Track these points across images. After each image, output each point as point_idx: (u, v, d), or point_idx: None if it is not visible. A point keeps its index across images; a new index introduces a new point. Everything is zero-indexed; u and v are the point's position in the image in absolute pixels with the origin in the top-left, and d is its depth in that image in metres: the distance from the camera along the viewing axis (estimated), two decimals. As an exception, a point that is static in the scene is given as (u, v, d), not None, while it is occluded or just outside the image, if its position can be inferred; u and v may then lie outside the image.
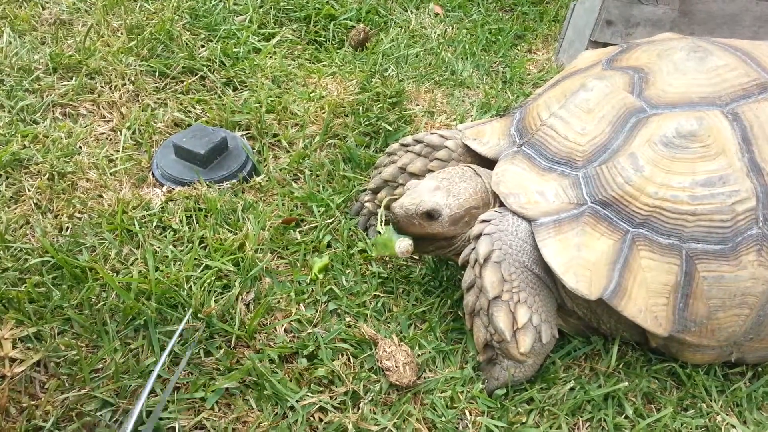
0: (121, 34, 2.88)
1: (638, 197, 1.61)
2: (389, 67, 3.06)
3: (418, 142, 2.14)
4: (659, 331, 1.62)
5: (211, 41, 2.99)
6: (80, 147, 2.40)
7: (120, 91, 2.64)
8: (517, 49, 3.49)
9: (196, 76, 2.78)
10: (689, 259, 1.59)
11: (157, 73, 2.75)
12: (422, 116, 2.79)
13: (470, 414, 1.70)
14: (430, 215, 1.78)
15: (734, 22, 2.96)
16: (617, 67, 1.87)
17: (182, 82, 2.75)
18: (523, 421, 1.67)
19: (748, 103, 1.66)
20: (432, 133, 2.13)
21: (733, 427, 1.70)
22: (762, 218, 1.58)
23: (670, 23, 2.99)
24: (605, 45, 2.97)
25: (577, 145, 1.74)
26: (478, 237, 1.73)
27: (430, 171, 2.09)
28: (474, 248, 1.73)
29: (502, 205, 1.80)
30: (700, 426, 1.70)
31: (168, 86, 2.73)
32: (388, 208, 1.87)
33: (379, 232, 1.86)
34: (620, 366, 1.82)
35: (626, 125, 1.69)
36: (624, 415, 1.71)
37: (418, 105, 2.88)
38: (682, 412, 1.74)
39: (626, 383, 1.75)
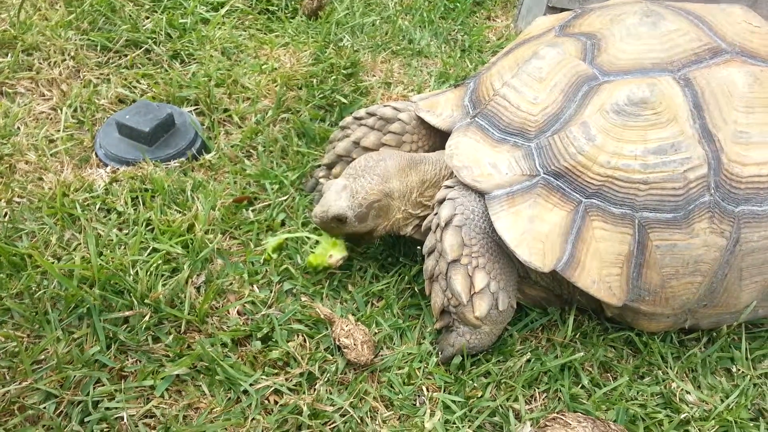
0: (60, 6, 2.73)
1: (590, 167, 1.58)
2: (344, 36, 2.97)
3: (371, 115, 2.09)
4: (613, 301, 1.61)
5: (156, 12, 2.85)
6: (18, 127, 2.28)
7: (60, 67, 2.51)
8: (476, 16, 3.43)
9: (140, 49, 2.66)
10: (642, 228, 1.58)
11: (98, 48, 2.62)
12: (378, 87, 2.73)
13: (427, 390, 1.68)
14: (339, 220, 1.81)
15: (691, -16, 2.94)
16: (570, 33, 1.83)
17: (126, 56, 2.62)
18: (480, 394, 1.66)
19: (699, 68, 1.64)
20: (385, 106, 2.08)
21: (688, 393, 1.71)
22: (714, 185, 1.57)
23: (627, -13, 2.94)
24: (563, 10, 2.92)
25: (529, 115, 1.70)
26: (441, 202, 1.73)
27: (385, 145, 2.05)
28: (437, 213, 1.72)
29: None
30: (655, 393, 1.71)
31: (111, 61, 2.60)
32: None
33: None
34: (577, 336, 1.81)
35: (578, 93, 1.65)
36: (580, 385, 1.71)
37: (374, 76, 2.81)
38: (638, 380, 1.75)
39: (582, 353, 1.75)
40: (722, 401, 1.69)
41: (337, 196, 1.80)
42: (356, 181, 1.83)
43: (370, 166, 1.85)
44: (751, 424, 1.64)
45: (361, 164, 1.87)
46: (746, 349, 1.81)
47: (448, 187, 1.76)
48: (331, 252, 1.90)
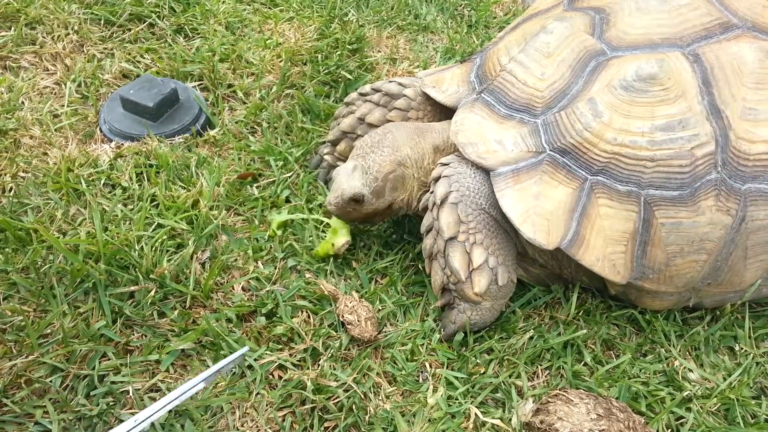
0: (62, -21, 2.70)
1: (597, 144, 1.56)
2: (349, 11, 2.94)
3: (377, 90, 2.07)
4: (617, 278, 1.61)
5: (160, -14, 2.82)
6: (23, 102, 2.28)
7: (63, 41, 2.50)
8: (483, -9, 3.37)
9: (144, 23, 2.63)
10: (647, 205, 1.57)
11: (102, 21, 2.60)
12: (384, 63, 2.70)
13: (430, 366, 1.69)
14: (356, 200, 1.78)
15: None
16: (578, 7, 1.80)
17: (130, 30, 2.60)
18: (483, 371, 1.66)
19: (709, 43, 1.61)
20: (390, 81, 2.06)
21: (690, 370, 1.71)
22: (720, 162, 1.55)
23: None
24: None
25: (536, 91, 1.68)
26: (437, 180, 1.72)
27: (390, 121, 2.03)
28: (432, 191, 1.71)
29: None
30: (658, 371, 1.72)
31: (114, 35, 2.58)
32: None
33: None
34: (580, 314, 1.82)
35: (586, 69, 1.63)
36: (583, 362, 1.72)
37: (379, 51, 2.78)
38: (641, 358, 1.75)
39: (585, 330, 1.75)
40: (724, 379, 1.70)
41: (349, 177, 1.78)
42: (366, 158, 1.81)
43: (377, 141, 1.83)
44: (753, 402, 1.64)
45: (367, 142, 1.85)
46: (749, 327, 1.81)
47: (443, 164, 1.75)
48: (333, 240, 1.89)
